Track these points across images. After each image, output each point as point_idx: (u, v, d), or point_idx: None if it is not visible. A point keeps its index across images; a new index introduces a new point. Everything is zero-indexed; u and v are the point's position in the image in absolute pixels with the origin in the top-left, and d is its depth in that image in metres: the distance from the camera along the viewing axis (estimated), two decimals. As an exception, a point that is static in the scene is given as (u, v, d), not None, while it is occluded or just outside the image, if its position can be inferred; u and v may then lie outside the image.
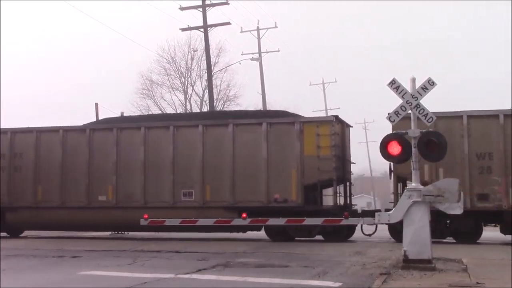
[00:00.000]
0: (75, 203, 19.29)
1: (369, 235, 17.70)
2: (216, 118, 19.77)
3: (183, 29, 32.69)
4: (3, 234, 20.22)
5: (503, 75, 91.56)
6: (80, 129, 20.10)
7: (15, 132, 20.32)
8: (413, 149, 10.70)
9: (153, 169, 18.74)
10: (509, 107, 17.23)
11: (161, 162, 18.66)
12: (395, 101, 11.02)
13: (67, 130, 20.03)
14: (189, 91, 45.24)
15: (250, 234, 18.82)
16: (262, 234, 18.90)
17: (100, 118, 38.43)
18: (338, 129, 17.84)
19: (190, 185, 18.32)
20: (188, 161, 18.44)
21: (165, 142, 18.67)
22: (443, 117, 16.12)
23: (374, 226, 17.59)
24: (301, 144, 17.55)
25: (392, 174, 17.18)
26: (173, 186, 18.41)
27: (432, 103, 11.70)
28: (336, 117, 18.01)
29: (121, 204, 18.84)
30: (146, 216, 18.37)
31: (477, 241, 16.99)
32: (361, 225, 17.42)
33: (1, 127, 21.04)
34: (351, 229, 18.01)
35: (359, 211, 18.86)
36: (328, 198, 19.24)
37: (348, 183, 19.14)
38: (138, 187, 18.75)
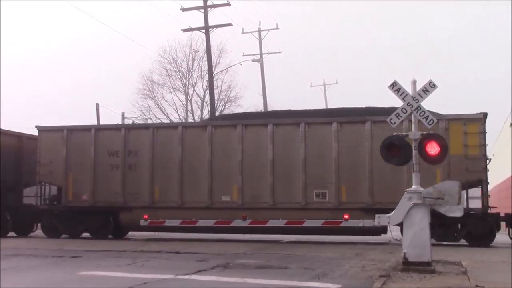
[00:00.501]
0: (197, 204, 18.37)
1: None
2: (347, 115, 18.38)
3: (184, 30, 32.73)
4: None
5: (503, 75, 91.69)
6: (201, 126, 19.47)
7: (129, 128, 19.69)
8: (414, 151, 10.71)
9: (283, 168, 17.86)
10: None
11: (291, 160, 17.78)
12: (396, 102, 11.05)
13: (186, 126, 19.46)
14: (190, 92, 45.35)
15: (253, 235, 18.79)
16: (263, 236, 18.93)
17: (100, 118, 38.44)
18: (485, 127, 16.78)
19: (324, 185, 17.50)
20: (320, 160, 17.59)
21: (295, 139, 17.83)
22: None
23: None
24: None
25: None
26: (305, 186, 17.55)
27: (433, 103, 11.72)
28: (485, 114, 16.82)
29: (248, 205, 17.98)
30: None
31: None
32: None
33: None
34: (493, 233, 16.85)
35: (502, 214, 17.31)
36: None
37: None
38: (266, 187, 17.86)
